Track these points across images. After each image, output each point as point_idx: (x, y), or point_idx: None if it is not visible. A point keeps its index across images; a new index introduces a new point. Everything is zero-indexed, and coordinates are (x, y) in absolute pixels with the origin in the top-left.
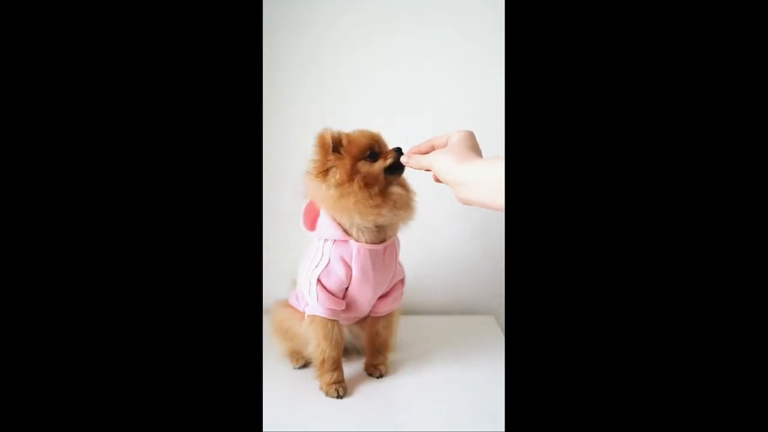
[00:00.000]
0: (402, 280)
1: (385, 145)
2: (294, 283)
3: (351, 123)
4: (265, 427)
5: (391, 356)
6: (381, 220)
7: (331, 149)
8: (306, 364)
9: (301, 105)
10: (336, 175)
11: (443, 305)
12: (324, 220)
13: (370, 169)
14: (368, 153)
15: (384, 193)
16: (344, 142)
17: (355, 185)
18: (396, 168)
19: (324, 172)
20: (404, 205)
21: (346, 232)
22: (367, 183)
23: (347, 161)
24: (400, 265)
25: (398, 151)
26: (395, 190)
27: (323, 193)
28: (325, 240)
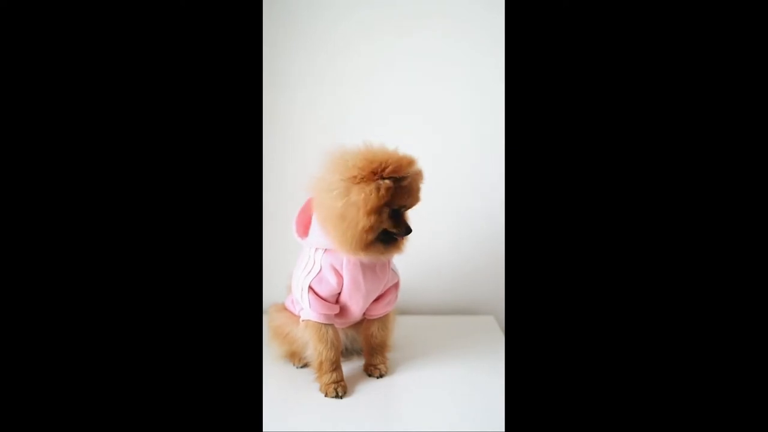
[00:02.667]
0: (396, 285)
1: (409, 208)
2: (290, 288)
3: (351, 125)
4: (265, 427)
5: (391, 356)
6: (358, 258)
7: (397, 174)
8: (307, 364)
9: (301, 107)
10: (361, 196)
11: (443, 305)
12: (316, 229)
13: (383, 222)
14: (396, 208)
15: (372, 244)
16: (403, 182)
17: (366, 220)
18: (393, 235)
19: (362, 183)
20: (386, 256)
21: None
22: (373, 228)
23: (386, 196)
24: (395, 270)
25: (407, 231)
26: (381, 247)
27: (331, 198)
28: (317, 248)
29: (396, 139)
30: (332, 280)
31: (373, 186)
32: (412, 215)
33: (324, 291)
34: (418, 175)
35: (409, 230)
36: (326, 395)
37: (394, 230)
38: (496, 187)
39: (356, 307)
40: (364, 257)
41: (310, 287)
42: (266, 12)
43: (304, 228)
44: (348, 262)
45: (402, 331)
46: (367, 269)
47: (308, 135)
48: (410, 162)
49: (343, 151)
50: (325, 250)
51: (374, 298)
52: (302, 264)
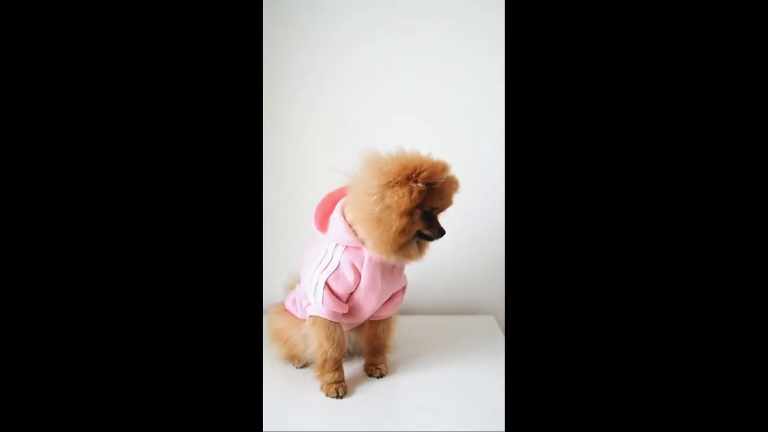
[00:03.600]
0: (404, 288)
1: (442, 211)
2: (289, 288)
3: (351, 125)
4: (265, 427)
5: (391, 356)
6: (387, 260)
7: (432, 179)
8: (307, 364)
9: (301, 107)
10: (395, 198)
11: (443, 305)
12: (339, 225)
13: (416, 224)
14: (431, 211)
15: (405, 247)
16: (436, 185)
17: (399, 222)
18: (427, 237)
19: (396, 187)
20: (416, 258)
21: (360, 240)
22: (405, 230)
23: (419, 198)
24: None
25: (441, 233)
26: (412, 250)
27: (369, 202)
28: (337, 244)
29: (396, 139)
30: (350, 278)
31: (406, 189)
32: None
33: (340, 288)
34: (451, 180)
35: (442, 232)
36: (327, 395)
37: (427, 232)
38: (496, 187)
39: (369, 306)
40: (396, 259)
41: (326, 283)
42: (266, 12)
43: (322, 221)
44: (369, 260)
45: (402, 331)
46: (385, 270)
47: (308, 135)
48: (444, 168)
49: (379, 156)
50: (346, 246)
51: (387, 298)
52: (317, 258)
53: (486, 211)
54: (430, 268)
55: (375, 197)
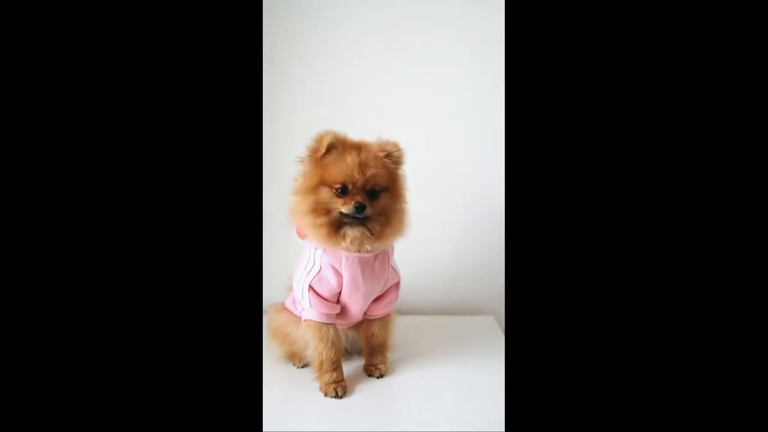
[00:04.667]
0: (397, 284)
1: (357, 184)
2: (289, 289)
3: (350, 127)
4: (265, 427)
5: (391, 356)
6: (338, 249)
7: (319, 153)
8: (307, 364)
9: (301, 108)
10: (298, 180)
11: (443, 305)
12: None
13: (326, 201)
14: (338, 186)
15: (336, 229)
16: (326, 158)
17: (308, 202)
18: (347, 215)
19: (300, 169)
20: (366, 243)
21: None
22: (316, 209)
23: (314, 175)
24: (395, 269)
25: (357, 207)
26: (350, 232)
27: (290, 194)
28: (316, 248)
29: (396, 139)
30: (332, 280)
31: (310, 172)
32: (412, 215)
33: (324, 290)
34: (350, 149)
35: (360, 207)
36: (326, 395)
37: (343, 209)
38: (496, 187)
39: (356, 306)
40: (342, 245)
41: (310, 287)
42: (266, 12)
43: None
44: (346, 260)
45: (402, 331)
46: (366, 267)
47: (308, 135)
48: (322, 137)
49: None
50: (325, 249)
51: (374, 297)
52: (303, 263)
53: (486, 211)
54: (431, 268)
55: (291, 190)
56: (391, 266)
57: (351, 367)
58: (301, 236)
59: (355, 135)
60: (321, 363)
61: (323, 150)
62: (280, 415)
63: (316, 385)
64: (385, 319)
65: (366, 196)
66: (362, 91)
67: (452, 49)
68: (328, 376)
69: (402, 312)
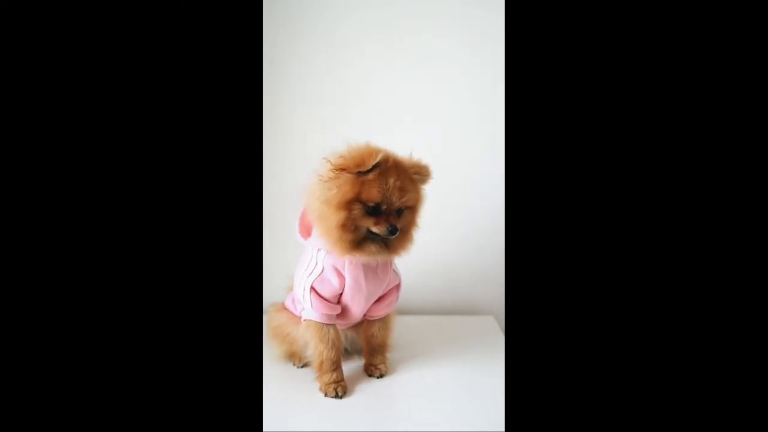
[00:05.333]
0: (397, 286)
1: (392, 206)
2: (289, 289)
3: (350, 127)
4: (265, 427)
5: (391, 356)
6: (354, 260)
7: (364, 168)
8: (307, 364)
9: (301, 109)
10: (332, 190)
11: (443, 305)
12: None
13: (357, 218)
14: (372, 205)
15: (359, 243)
16: (368, 176)
17: (336, 217)
18: (377, 235)
19: (330, 181)
20: (380, 256)
21: None
22: (345, 225)
23: (351, 191)
24: (396, 271)
25: (391, 230)
26: (370, 247)
27: (315, 199)
28: (319, 249)
29: (396, 139)
30: (334, 281)
31: (336, 181)
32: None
33: (326, 291)
34: (390, 171)
35: (393, 230)
36: (326, 395)
37: (374, 228)
38: (496, 187)
39: (357, 308)
40: (358, 257)
41: (312, 287)
42: (266, 12)
43: (306, 229)
44: (349, 263)
45: (402, 331)
46: (368, 270)
47: (308, 135)
48: (371, 154)
49: (325, 155)
50: (328, 250)
51: (375, 299)
52: (304, 264)
53: (486, 211)
54: (431, 268)
55: (316, 193)
56: (392, 269)
57: (351, 367)
58: (304, 236)
59: (355, 135)
60: (321, 363)
61: (369, 167)
62: (280, 415)
63: (316, 385)
64: (385, 320)
65: (395, 215)
66: (362, 91)
67: (452, 49)
68: (328, 376)
69: (402, 312)
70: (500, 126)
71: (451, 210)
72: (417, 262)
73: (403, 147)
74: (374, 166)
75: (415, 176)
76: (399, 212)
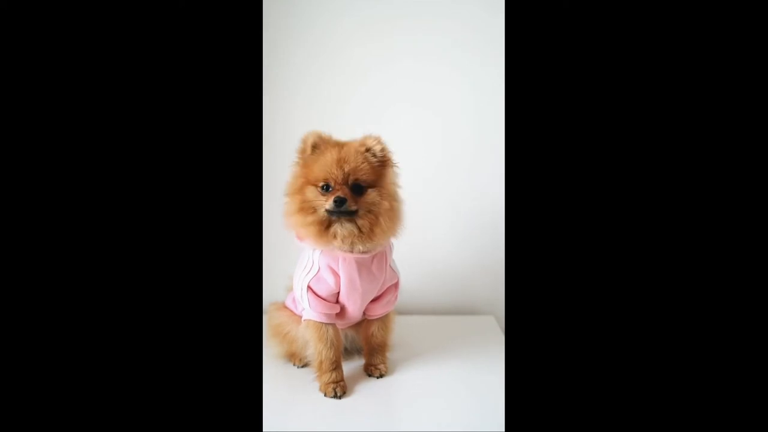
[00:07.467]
0: (396, 284)
1: (339, 179)
2: (289, 289)
3: (350, 125)
4: (265, 427)
5: (391, 356)
6: (330, 249)
7: (305, 153)
8: (307, 364)
9: (301, 107)
10: (289, 181)
11: (443, 305)
12: None
13: (311, 199)
14: (322, 184)
15: (325, 228)
16: (313, 156)
17: (295, 202)
18: (330, 212)
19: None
20: (357, 242)
21: None
22: (303, 209)
23: (301, 176)
24: (394, 269)
25: (337, 201)
26: (339, 230)
27: (284, 195)
28: (314, 249)
29: (396, 139)
30: (330, 280)
31: (297, 173)
32: (411, 215)
33: (322, 290)
34: (331, 147)
35: (339, 201)
36: (326, 395)
37: (326, 205)
38: (496, 187)
39: (354, 306)
40: (334, 245)
41: (309, 287)
42: (266, 12)
43: None
44: (343, 260)
45: (402, 331)
46: (362, 267)
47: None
48: (306, 136)
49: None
50: (321, 250)
51: (372, 297)
52: (302, 264)
53: (486, 211)
54: (431, 269)
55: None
56: (390, 266)
57: (351, 367)
58: (300, 238)
59: (355, 135)
60: (321, 363)
61: (309, 150)
62: (280, 415)
63: (316, 385)
64: (384, 319)
65: (351, 193)
66: (362, 91)
67: (452, 47)
68: (328, 376)
69: (402, 312)
70: (500, 126)
71: (451, 210)
72: (417, 262)
73: (403, 147)
74: (313, 147)
75: (361, 149)
76: (358, 190)
